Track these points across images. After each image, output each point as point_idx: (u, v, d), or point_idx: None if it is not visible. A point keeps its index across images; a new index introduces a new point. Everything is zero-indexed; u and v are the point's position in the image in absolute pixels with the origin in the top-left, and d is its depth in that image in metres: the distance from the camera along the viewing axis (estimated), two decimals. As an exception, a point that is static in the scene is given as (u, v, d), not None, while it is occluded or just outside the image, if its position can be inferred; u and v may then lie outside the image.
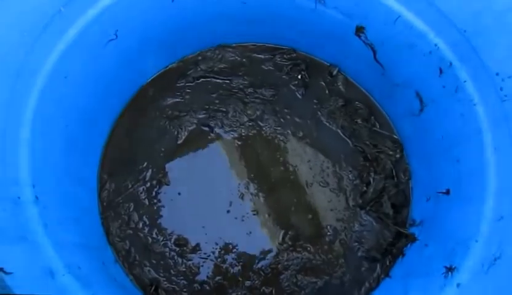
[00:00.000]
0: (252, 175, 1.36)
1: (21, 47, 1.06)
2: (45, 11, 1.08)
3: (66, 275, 1.04)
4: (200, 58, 1.43)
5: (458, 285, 1.04)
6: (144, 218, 1.32)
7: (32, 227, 1.04)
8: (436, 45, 1.16)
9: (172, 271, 1.30)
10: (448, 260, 1.10)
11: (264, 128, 1.39)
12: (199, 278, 1.30)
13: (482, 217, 1.08)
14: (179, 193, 1.34)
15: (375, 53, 1.31)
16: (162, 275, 1.29)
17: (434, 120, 1.26)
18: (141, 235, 1.31)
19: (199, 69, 1.42)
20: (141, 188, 1.34)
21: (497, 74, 1.07)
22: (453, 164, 1.21)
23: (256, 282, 1.29)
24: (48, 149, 1.14)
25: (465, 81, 1.13)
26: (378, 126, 1.41)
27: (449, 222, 1.20)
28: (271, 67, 1.44)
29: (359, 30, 1.27)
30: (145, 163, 1.36)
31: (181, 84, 1.41)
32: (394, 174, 1.36)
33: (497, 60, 1.07)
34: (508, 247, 1.02)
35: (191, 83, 1.41)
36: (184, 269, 1.30)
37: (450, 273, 1.07)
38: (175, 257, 1.30)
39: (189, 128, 1.38)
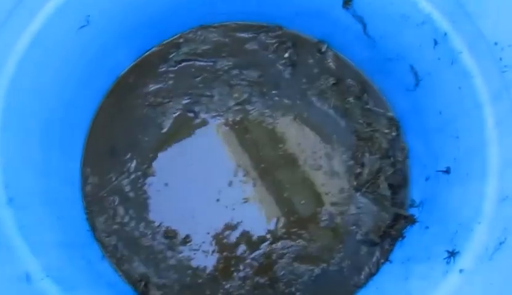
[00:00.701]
0: (241, 161, 1.31)
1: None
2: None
3: (45, 278, 1.00)
4: (181, 40, 1.37)
5: (461, 271, 1.00)
6: (131, 211, 1.28)
7: (5, 230, 0.99)
8: (428, 14, 1.10)
9: (161, 265, 1.25)
10: (450, 243, 1.05)
11: (252, 112, 1.34)
12: (190, 270, 1.25)
13: (485, 197, 1.02)
14: (166, 184, 1.29)
15: (364, 26, 1.25)
16: (151, 269, 1.25)
17: (431, 95, 1.21)
18: (128, 229, 1.27)
19: (180, 52, 1.36)
20: (125, 181, 1.29)
21: (496, 44, 1.02)
22: (452, 141, 1.15)
23: (250, 272, 1.25)
24: (22, 145, 1.09)
25: (461, 52, 1.08)
26: (371, 104, 1.35)
27: (450, 202, 1.15)
28: (255, 47, 1.38)
29: (347, 2, 1.21)
30: (129, 154, 1.30)
31: (163, 69, 1.35)
32: (391, 153, 1.31)
33: (495, 28, 1.02)
34: (514, 231, 0.97)
35: (173, 67, 1.35)
36: (174, 262, 1.25)
37: (452, 258, 1.02)
38: (164, 250, 1.26)
39: (174, 115, 1.33)
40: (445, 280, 1.01)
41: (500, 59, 1.01)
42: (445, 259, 1.04)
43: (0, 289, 0.95)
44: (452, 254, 1.03)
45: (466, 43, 1.07)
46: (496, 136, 1.04)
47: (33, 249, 1.00)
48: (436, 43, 1.12)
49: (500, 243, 0.97)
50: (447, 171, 1.17)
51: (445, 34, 1.09)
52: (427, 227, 1.19)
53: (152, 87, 1.34)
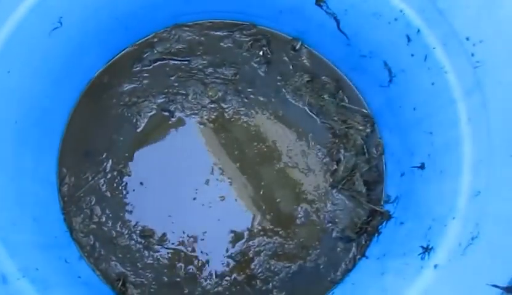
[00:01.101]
0: (217, 159, 1.31)
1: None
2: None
3: (21, 279, 1.00)
4: (155, 39, 1.37)
5: (435, 266, 1.00)
6: (107, 211, 1.28)
7: None
8: (401, 10, 1.10)
9: (138, 264, 1.26)
10: (425, 239, 1.06)
11: (227, 110, 1.34)
12: (167, 269, 1.26)
13: (459, 192, 1.03)
14: (141, 183, 1.29)
15: (338, 22, 1.24)
16: (129, 268, 1.26)
17: (405, 91, 1.21)
18: (105, 228, 1.27)
19: (155, 51, 1.35)
20: (102, 181, 1.29)
21: (467, 39, 1.02)
22: (426, 137, 1.16)
23: (228, 270, 1.26)
24: (-4, 147, 1.09)
25: (434, 48, 1.08)
26: (346, 101, 1.35)
27: (425, 198, 1.15)
28: (230, 45, 1.37)
29: None
30: (104, 154, 1.30)
31: (138, 69, 1.35)
32: (366, 149, 1.31)
33: (467, 24, 1.02)
34: (485, 226, 0.97)
35: (148, 66, 1.35)
36: (151, 261, 1.26)
37: (427, 253, 1.03)
38: (141, 249, 1.26)
39: (149, 114, 1.33)
40: (420, 276, 1.01)
41: (472, 54, 1.01)
42: (419, 254, 1.05)
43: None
44: (427, 250, 1.03)
45: (439, 40, 1.07)
46: (468, 132, 1.04)
47: (9, 250, 1.01)
48: (409, 39, 1.12)
49: (472, 238, 0.97)
50: (422, 167, 1.18)
51: (418, 30, 1.09)
52: (402, 223, 1.20)
53: (127, 87, 1.34)
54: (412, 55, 1.13)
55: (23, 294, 1.00)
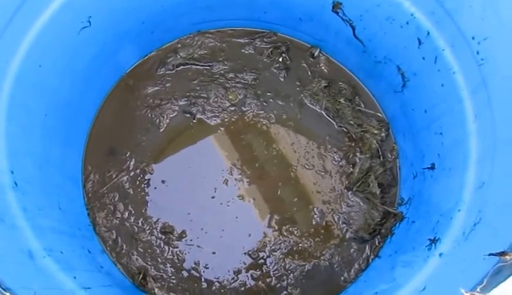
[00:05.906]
0: (236, 160, 1.35)
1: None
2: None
3: (46, 257, 1.03)
4: (179, 45, 1.43)
5: (440, 255, 1.02)
6: (130, 207, 1.32)
7: (11, 210, 1.02)
8: (412, 14, 1.14)
9: (159, 259, 1.29)
10: (432, 232, 1.08)
11: (246, 113, 1.38)
12: (186, 264, 1.29)
13: (465, 186, 1.05)
14: (163, 181, 1.34)
15: (354, 29, 1.28)
16: (149, 263, 1.29)
17: (417, 95, 1.23)
18: (128, 224, 1.31)
19: (178, 56, 1.41)
20: (125, 178, 1.34)
21: (473, 38, 1.04)
22: (436, 137, 1.18)
23: (244, 267, 1.29)
24: (26, 137, 1.13)
25: (443, 49, 1.10)
26: (363, 106, 1.38)
27: (434, 195, 1.17)
28: (251, 51, 1.43)
29: (336, 6, 1.25)
30: (128, 153, 1.35)
31: (161, 72, 1.41)
32: (380, 153, 1.34)
33: (472, 23, 1.04)
34: (487, 211, 0.99)
35: (171, 71, 1.41)
36: (171, 256, 1.29)
37: (433, 244, 1.05)
38: (162, 245, 1.30)
39: (171, 116, 1.38)
40: (426, 264, 1.03)
41: (477, 53, 1.03)
42: (426, 246, 1.06)
43: (7, 261, 0.98)
44: (433, 241, 1.05)
45: (447, 41, 1.10)
46: (475, 128, 1.06)
47: (35, 231, 1.03)
48: (420, 42, 1.15)
49: (475, 224, 0.99)
50: (432, 168, 1.20)
51: (428, 33, 1.12)
52: (413, 222, 1.21)
53: (151, 89, 1.40)
54: (423, 58, 1.16)
55: (49, 271, 1.02)
